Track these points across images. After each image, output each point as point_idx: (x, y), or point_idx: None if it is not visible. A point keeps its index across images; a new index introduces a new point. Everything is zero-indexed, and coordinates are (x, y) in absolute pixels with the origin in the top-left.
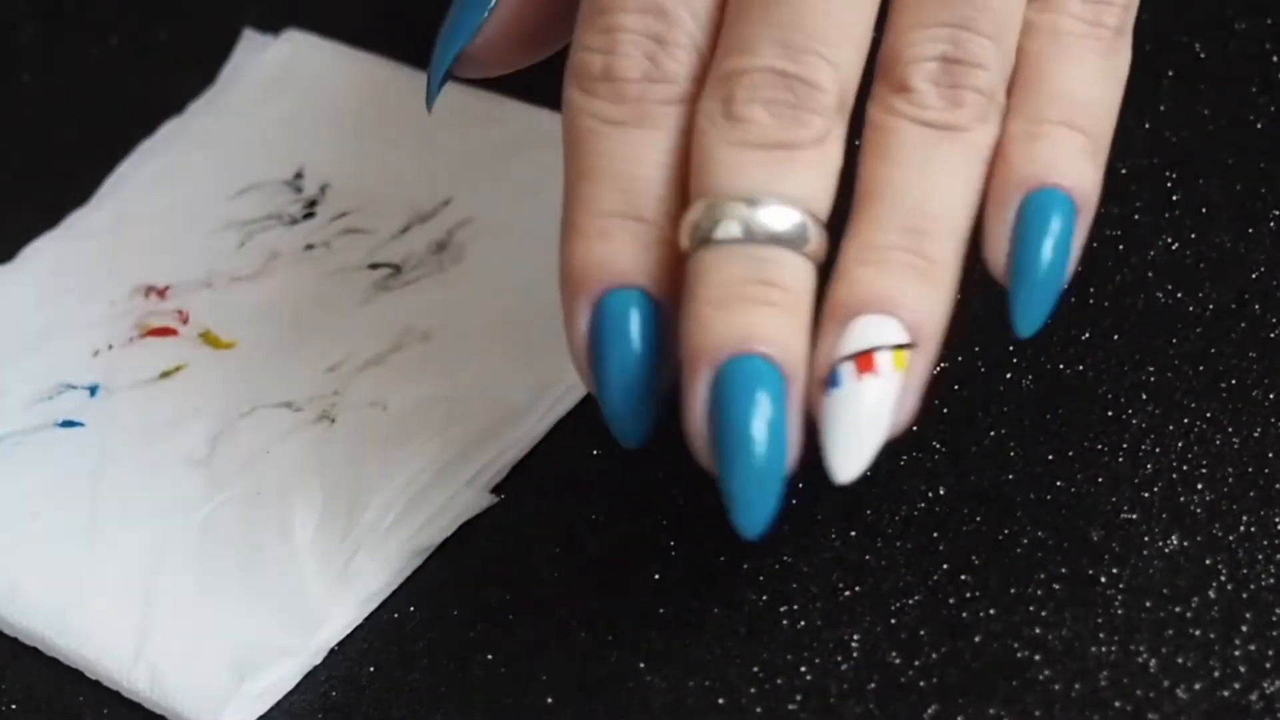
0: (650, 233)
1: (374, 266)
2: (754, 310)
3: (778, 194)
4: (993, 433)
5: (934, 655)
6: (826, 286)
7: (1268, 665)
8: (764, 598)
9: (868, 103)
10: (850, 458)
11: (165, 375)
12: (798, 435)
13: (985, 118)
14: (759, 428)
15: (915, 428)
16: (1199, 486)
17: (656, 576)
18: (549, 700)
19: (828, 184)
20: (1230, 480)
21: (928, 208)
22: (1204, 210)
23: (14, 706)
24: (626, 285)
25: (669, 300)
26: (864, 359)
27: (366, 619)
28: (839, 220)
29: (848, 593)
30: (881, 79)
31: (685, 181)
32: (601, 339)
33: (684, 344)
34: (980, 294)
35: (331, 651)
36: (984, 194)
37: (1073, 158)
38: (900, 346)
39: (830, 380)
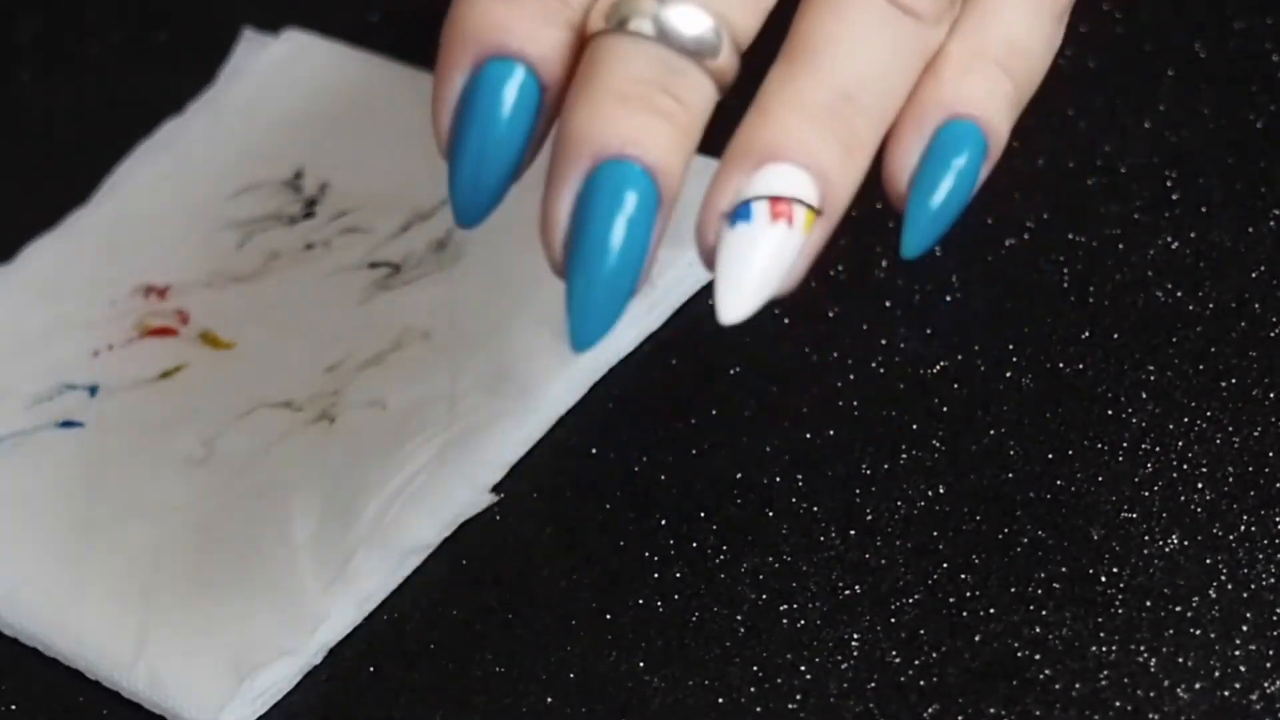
0: (561, 13)
1: (373, 266)
2: (649, 117)
3: (705, 4)
4: (992, 432)
5: (934, 655)
6: (740, 122)
7: (1268, 665)
8: (763, 597)
9: None
10: (742, 297)
11: (165, 375)
12: (653, 257)
13: (940, 20)
14: (620, 233)
15: (914, 426)
16: (1199, 486)
17: (656, 576)
18: (549, 700)
19: (757, 16)
20: (1230, 480)
21: (869, 80)
22: (1204, 209)
23: (14, 707)
24: (517, 56)
25: (554, 87)
26: (780, 203)
27: (366, 619)
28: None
29: (847, 592)
30: None
31: None
32: (471, 106)
33: (567, 126)
34: (979, 292)
35: (331, 651)
36: (903, 108)
37: (999, 102)
38: (812, 208)
39: (740, 213)
